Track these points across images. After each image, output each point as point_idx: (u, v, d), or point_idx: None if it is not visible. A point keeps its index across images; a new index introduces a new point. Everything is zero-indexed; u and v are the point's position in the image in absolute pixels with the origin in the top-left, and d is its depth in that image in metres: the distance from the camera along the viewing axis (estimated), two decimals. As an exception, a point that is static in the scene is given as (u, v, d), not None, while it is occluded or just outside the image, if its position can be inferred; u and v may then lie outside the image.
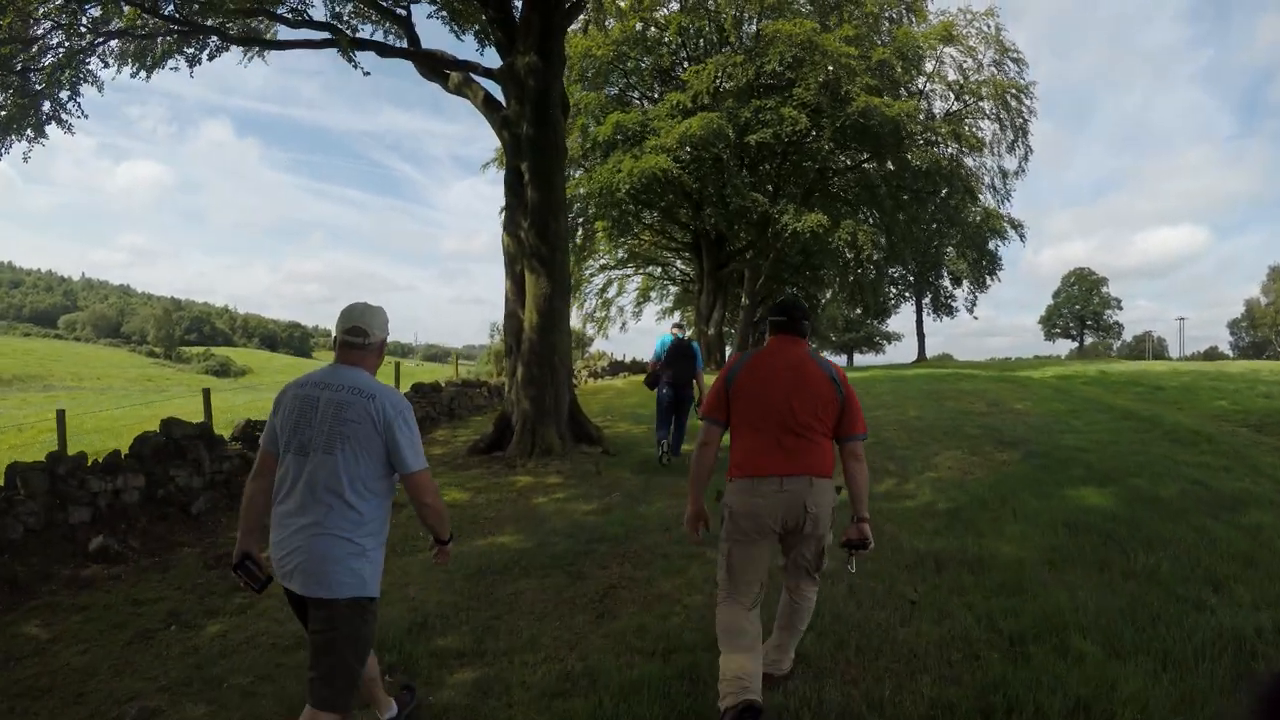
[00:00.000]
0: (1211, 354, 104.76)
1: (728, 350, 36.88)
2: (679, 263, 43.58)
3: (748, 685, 3.16)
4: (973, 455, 9.90)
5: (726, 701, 3.15)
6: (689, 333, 11.87)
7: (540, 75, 10.95)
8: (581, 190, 27.33)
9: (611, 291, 43.78)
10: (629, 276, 43.99)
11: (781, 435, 3.37)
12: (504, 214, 11.80)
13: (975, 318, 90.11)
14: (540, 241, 10.58)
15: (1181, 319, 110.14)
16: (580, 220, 31.99)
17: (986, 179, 29.45)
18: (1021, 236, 30.43)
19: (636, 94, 29.82)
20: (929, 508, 7.47)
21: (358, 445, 2.83)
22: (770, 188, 27.93)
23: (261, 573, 2.98)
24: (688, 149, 24.52)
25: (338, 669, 2.82)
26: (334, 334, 3.09)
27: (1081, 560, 5.65)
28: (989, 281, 57.00)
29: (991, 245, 30.13)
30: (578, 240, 33.25)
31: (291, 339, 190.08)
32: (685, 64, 28.00)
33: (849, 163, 28.98)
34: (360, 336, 3.00)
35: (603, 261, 39.55)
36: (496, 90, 12.27)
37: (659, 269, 45.38)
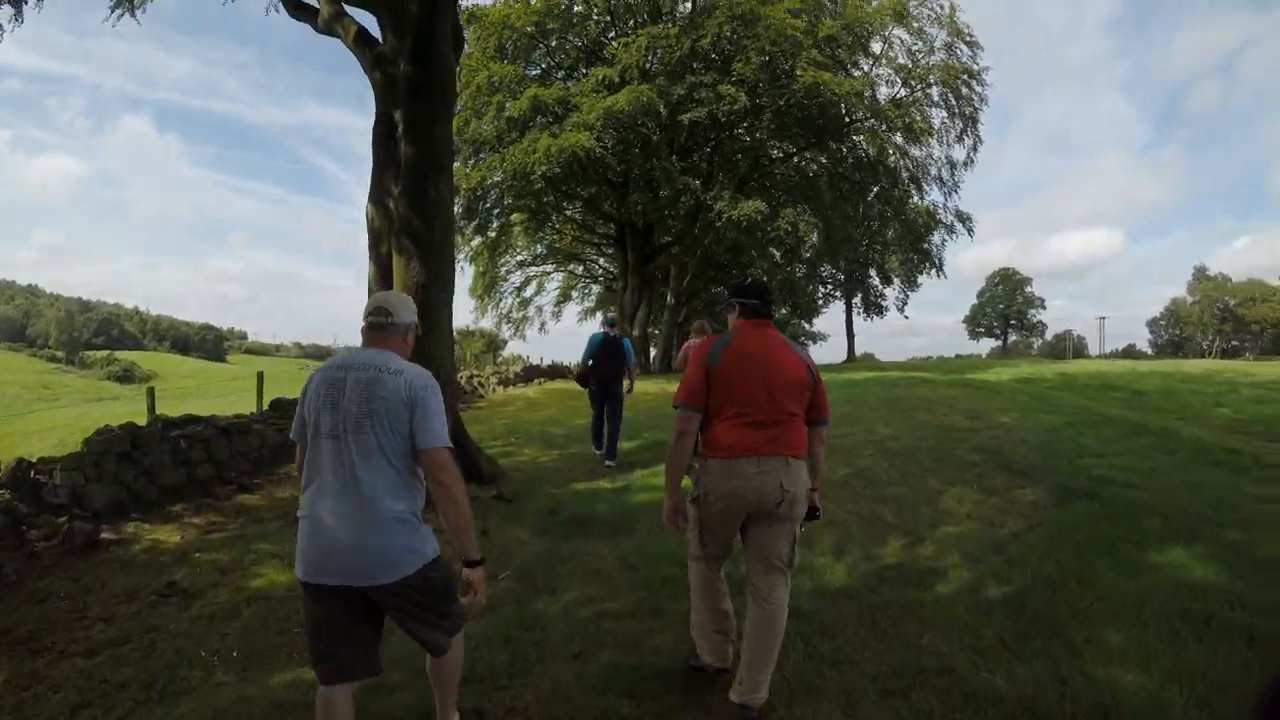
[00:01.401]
0: (1130, 352, 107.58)
1: (652, 351, 34.44)
2: (602, 260, 41.02)
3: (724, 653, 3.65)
4: (986, 494, 7.68)
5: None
6: (617, 330, 10.28)
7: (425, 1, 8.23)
8: (496, 176, 24.43)
9: (530, 290, 40.93)
10: (548, 274, 41.16)
11: (760, 418, 3.39)
12: (371, 182, 8.97)
13: (906, 317, 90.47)
14: (414, 213, 7.79)
15: (1102, 318, 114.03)
16: (495, 211, 29.14)
17: (933, 170, 27.58)
18: (969, 231, 28.59)
19: (561, 74, 26.96)
20: (974, 594, 5.02)
21: (390, 422, 2.76)
22: (702, 176, 25.34)
23: None
24: (613, 128, 21.85)
25: (436, 615, 2.91)
26: (361, 323, 3.03)
27: (1236, 685, 3.59)
28: (921, 280, 56.77)
29: (937, 239, 28.30)
30: (491, 233, 30.38)
31: (205, 341, 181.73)
32: (615, 42, 25.28)
33: (790, 149, 26.66)
34: (385, 316, 2.98)
35: (520, 258, 36.70)
36: (374, 25, 9.66)
37: (580, 266, 42.68)
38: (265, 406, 10.83)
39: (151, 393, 10.18)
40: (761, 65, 22.20)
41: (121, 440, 7.42)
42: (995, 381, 18.82)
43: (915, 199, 28.25)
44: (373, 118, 9.19)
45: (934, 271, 28.77)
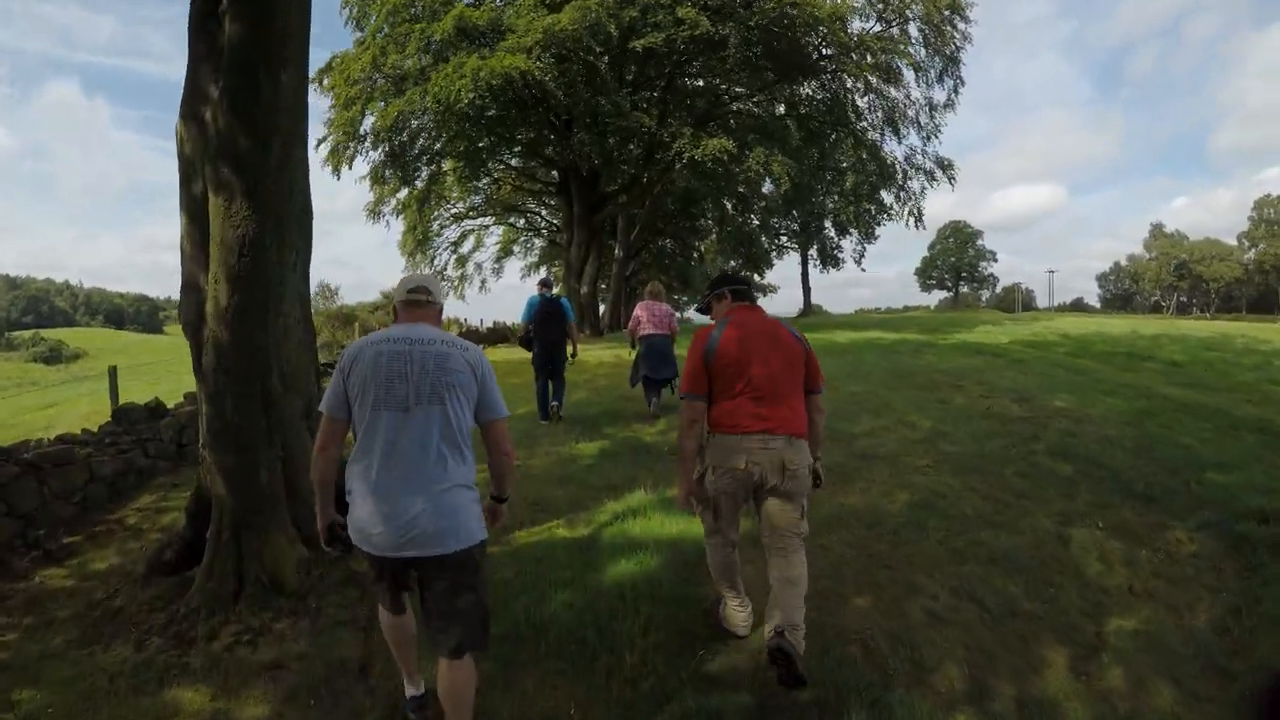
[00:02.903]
0: (1079, 305, 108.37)
1: (601, 309, 31.56)
2: (544, 211, 37.78)
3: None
4: (1126, 540, 5.61)
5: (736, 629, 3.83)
6: (556, 289, 10.52)
7: None
8: (420, 115, 21.05)
9: (467, 246, 37.51)
10: (487, 228, 37.73)
11: (763, 397, 3.51)
12: (185, 86, 5.81)
13: (863, 270, 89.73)
14: (238, 126, 4.71)
15: (1052, 272, 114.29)
16: (423, 158, 25.72)
17: (911, 112, 24.82)
18: (951, 179, 25.89)
19: (494, -1, 23.41)
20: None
21: (463, 393, 2.86)
22: (655, 115, 22.16)
23: (349, 537, 2.94)
24: (553, 54, 18.58)
25: (477, 610, 2.90)
26: (395, 299, 3.15)
27: None
28: (878, 232, 54.72)
29: (916, 186, 25.66)
30: (419, 183, 26.92)
31: (139, 314, 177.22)
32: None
33: (755, 86, 23.66)
34: (424, 294, 3.06)
35: (455, 210, 33.23)
36: None
37: (522, 219, 39.34)
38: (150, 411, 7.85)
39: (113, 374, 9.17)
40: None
41: None
42: (1002, 346, 16.41)
43: (890, 143, 25.56)
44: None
45: (914, 222, 26.14)
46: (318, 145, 22.65)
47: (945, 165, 25.79)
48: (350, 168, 23.29)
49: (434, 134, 24.77)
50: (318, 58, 29.54)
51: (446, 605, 2.85)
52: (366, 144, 23.01)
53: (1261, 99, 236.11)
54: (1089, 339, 18.48)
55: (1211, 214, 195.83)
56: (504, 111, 23.06)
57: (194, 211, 5.16)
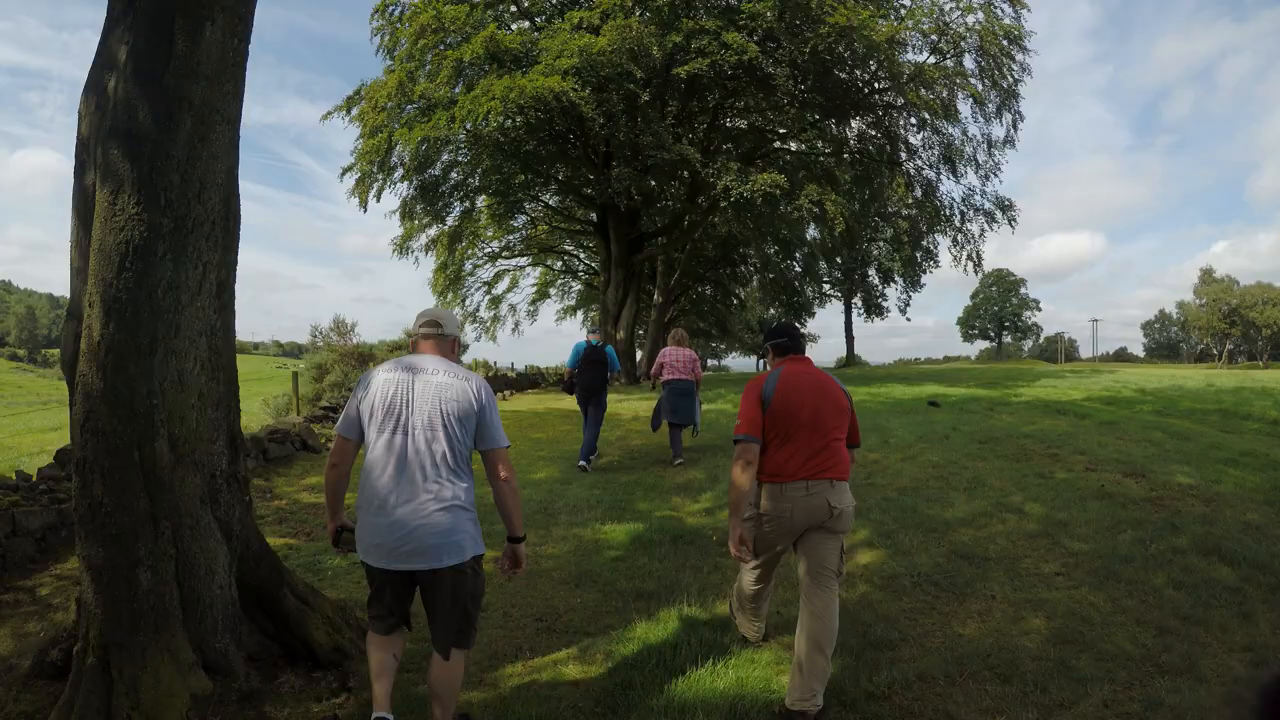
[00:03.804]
0: (1123, 355, 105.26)
1: (638, 355, 30.07)
2: (582, 254, 36.56)
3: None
4: None
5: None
6: (595, 336, 9.83)
7: None
8: (449, 150, 19.86)
9: (501, 286, 36.25)
10: (523, 269, 36.52)
11: (810, 445, 3.61)
12: (96, 50, 4.44)
13: (908, 319, 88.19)
14: (142, 95, 3.39)
15: (1095, 321, 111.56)
16: (457, 194, 24.65)
17: (969, 150, 23.25)
18: (1011, 221, 24.04)
19: (527, 25, 22.32)
20: None
21: (460, 422, 3.02)
22: (699, 150, 20.79)
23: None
24: (591, 81, 17.25)
25: (468, 619, 3.11)
26: (412, 333, 3.36)
27: None
28: (924, 280, 53.10)
29: (975, 229, 23.92)
30: (450, 220, 25.80)
31: None
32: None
33: (804, 122, 22.36)
34: (436, 328, 3.24)
35: (489, 249, 32.11)
36: None
37: (560, 261, 38.11)
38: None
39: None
40: (780, 3, 17.70)
41: None
42: (1079, 403, 14.60)
43: (947, 183, 23.99)
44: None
45: (972, 267, 24.30)
46: (343, 175, 21.61)
47: (1005, 206, 24.03)
48: (379, 200, 22.23)
49: (467, 168, 23.74)
50: (348, 88, 28.68)
51: (441, 613, 3.05)
52: (396, 175, 21.96)
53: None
54: (1169, 394, 16.58)
55: (1252, 259, 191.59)
56: (540, 146, 21.94)
57: (84, 211, 3.76)
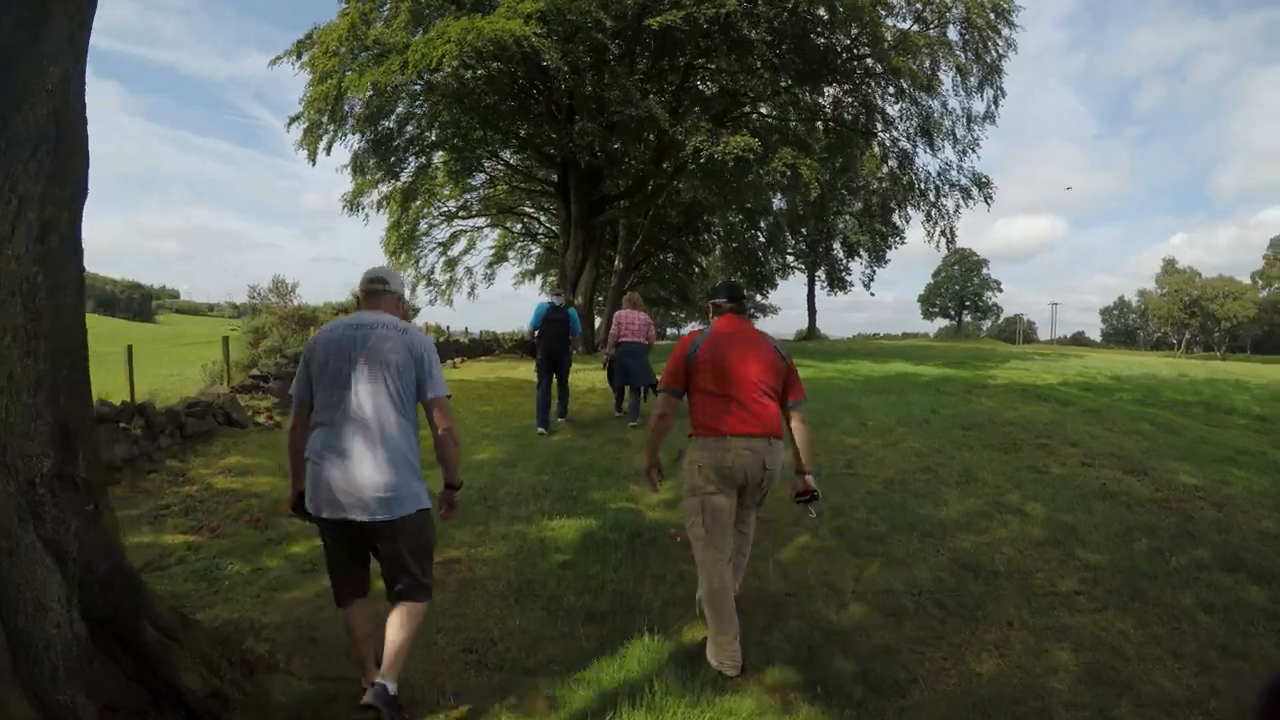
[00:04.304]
0: (1080, 339, 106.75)
1: (597, 322, 29.13)
2: (543, 216, 35.33)
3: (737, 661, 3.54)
4: None
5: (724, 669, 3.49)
6: (557, 300, 9.82)
7: None
8: (395, 81, 18.17)
9: (458, 248, 34.88)
10: (481, 230, 35.15)
11: (742, 400, 3.62)
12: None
13: (873, 294, 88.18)
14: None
15: (1055, 304, 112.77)
16: (412, 149, 23.36)
17: (947, 123, 22.46)
18: (987, 198, 23.38)
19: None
20: None
21: (400, 373, 3.00)
22: (668, 109, 19.77)
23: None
24: (557, 27, 16.06)
25: (409, 572, 3.08)
26: (358, 290, 3.30)
27: None
28: (889, 255, 52.80)
29: (950, 204, 23.22)
30: (403, 177, 24.56)
31: (131, 301, 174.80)
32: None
33: (780, 85, 21.37)
34: (380, 284, 3.22)
35: (445, 208, 30.74)
36: None
37: (519, 224, 36.83)
38: None
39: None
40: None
41: None
42: (1055, 389, 14.06)
43: (923, 157, 23.28)
44: None
45: (944, 243, 23.59)
46: (289, 124, 20.15)
47: (982, 183, 23.23)
48: (329, 154, 20.83)
49: (424, 121, 22.42)
50: (300, 33, 27.02)
51: (391, 564, 3.07)
52: (348, 127, 20.57)
53: (1266, 139, 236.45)
54: (1145, 383, 16.16)
55: (1210, 251, 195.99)
56: (502, 102, 20.71)
57: None
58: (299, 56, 20.12)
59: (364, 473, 2.90)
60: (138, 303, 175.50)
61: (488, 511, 5.76)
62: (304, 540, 5.15)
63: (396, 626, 3.05)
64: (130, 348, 9.59)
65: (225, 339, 11.45)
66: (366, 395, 2.95)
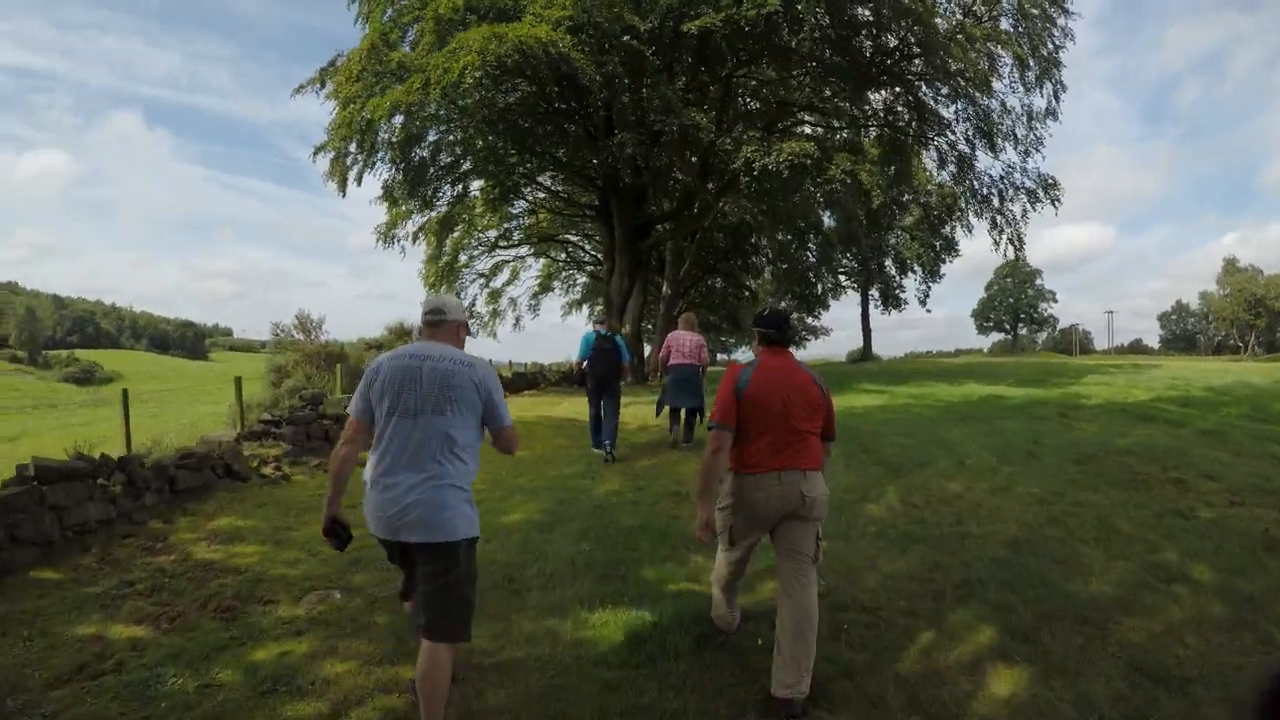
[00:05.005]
0: (1138, 347, 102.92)
1: (646, 350, 27.99)
2: (587, 245, 34.36)
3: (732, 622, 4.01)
4: None
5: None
6: (608, 327, 9.65)
7: None
8: (417, 100, 17.09)
9: (500, 279, 34.06)
10: (523, 259, 34.29)
11: (782, 436, 3.56)
12: None
13: (928, 310, 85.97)
14: None
15: (1110, 312, 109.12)
16: (446, 178, 22.58)
17: (1008, 123, 20.95)
18: (1055, 201, 21.69)
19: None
20: None
21: (464, 406, 3.09)
22: (711, 117, 18.67)
23: (346, 534, 3.23)
24: (589, 37, 15.05)
25: (458, 603, 3.05)
26: (419, 320, 3.38)
27: None
28: (943, 270, 50.87)
29: (1017, 210, 21.51)
30: (440, 206, 23.81)
31: (185, 339, 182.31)
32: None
33: (826, 94, 20.16)
34: (439, 314, 3.31)
35: (486, 238, 29.96)
36: None
37: (563, 253, 35.90)
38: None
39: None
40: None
41: None
42: (1156, 406, 12.47)
43: (984, 160, 21.81)
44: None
45: (1013, 251, 21.90)
46: (315, 154, 19.39)
47: (1049, 184, 21.57)
48: (359, 184, 20.07)
49: (458, 149, 21.62)
50: (324, 58, 26.56)
51: (426, 589, 3.04)
52: (379, 156, 19.76)
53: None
54: (1242, 393, 14.42)
55: (1264, 249, 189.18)
56: (537, 125, 19.83)
57: None
58: (323, 85, 19.49)
59: (414, 495, 2.96)
60: (191, 340, 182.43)
61: (511, 598, 4.53)
62: (272, 642, 4.03)
63: (425, 668, 2.98)
64: (125, 391, 8.70)
65: (238, 379, 10.52)
66: (426, 425, 3.02)
